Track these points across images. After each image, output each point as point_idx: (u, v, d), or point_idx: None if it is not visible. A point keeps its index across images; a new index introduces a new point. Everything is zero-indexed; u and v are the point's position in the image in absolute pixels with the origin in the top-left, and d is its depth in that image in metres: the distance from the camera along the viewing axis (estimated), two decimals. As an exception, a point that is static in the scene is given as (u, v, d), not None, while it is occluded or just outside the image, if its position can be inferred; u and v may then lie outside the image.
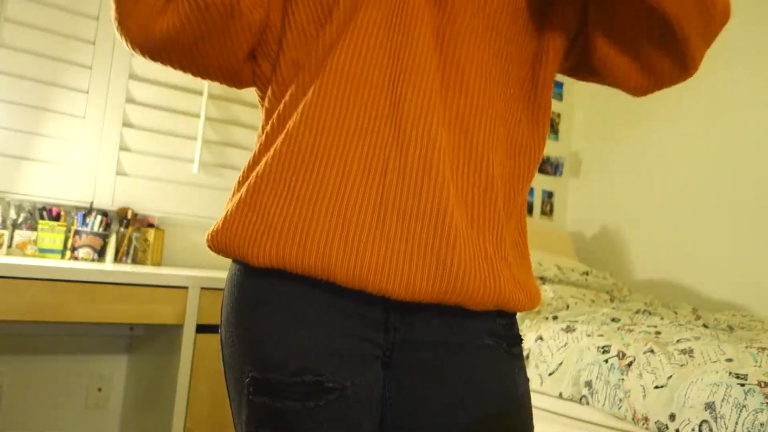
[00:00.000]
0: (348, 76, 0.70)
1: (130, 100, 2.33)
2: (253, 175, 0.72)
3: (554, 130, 3.57)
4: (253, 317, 0.72)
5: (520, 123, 0.78)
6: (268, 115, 0.78)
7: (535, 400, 1.93)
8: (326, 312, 0.70)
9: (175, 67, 0.83)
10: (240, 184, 0.75)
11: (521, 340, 0.80)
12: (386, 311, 0.72)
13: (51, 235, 2.12)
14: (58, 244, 2.13)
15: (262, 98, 0.82)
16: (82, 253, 2.13)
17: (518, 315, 2.17)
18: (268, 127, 0.75)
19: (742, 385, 1.44)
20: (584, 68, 0.82)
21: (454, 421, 0.73)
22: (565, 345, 1.90)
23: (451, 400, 0.73)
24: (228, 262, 2.55)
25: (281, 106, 0.75)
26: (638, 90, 0.79)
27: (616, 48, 0.76)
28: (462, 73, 0.72)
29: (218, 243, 0.72)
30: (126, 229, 2.25)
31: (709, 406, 1.46)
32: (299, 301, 0.70)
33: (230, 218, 0.71)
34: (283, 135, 0.71)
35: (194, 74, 0.84)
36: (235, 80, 0.85)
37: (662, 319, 2.11)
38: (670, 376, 1.58)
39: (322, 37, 0.73)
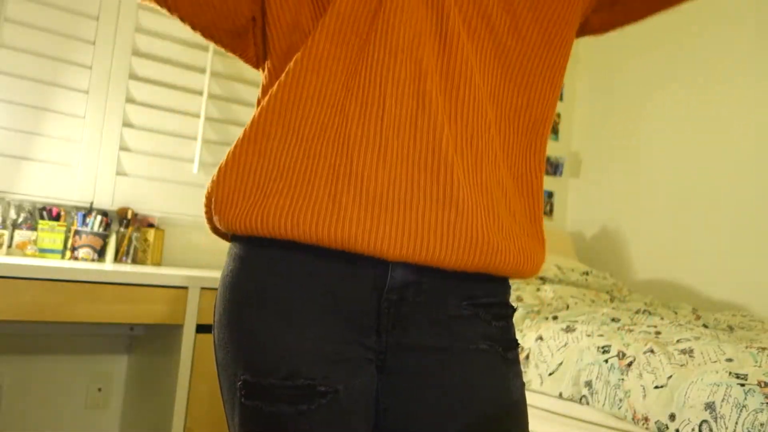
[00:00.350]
0: (342, 22, 0.72)
1: (130, 100, 2.33)
2: (255, 121, 0.74)
3: (554, 130, 3.56)
4: (245, 316, 0.71)
5: (524, 68, 0.77)
6: (273, 73, 0.79)
7: (535, 400, 1.93)
8: (321, 309, 0.70)
9: (169, 7, 0.79)
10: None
11: (517, 344, 0.79)
12: (381, 289, 0.71)
13: (51, 235, 2.12)
14: (58, 244, 2.13)
15: (264, 63, 0.82)
16: (82, 253, 2.13)
17: (518, 314, 2.17)
18: (285, 79, 0.75)
19: (742, 385, 1.44)
20: None
21: (452, 423, 0.72)
22: (565, 345, 1.90)
23: (450, 402, 0.72)
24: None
25: (288, 64, 0.76)
26: None
27: None
28: (448, 17, 0.72)
29: (220, 193, 0.75)
30: (126, 229, 2.25)
31: (709, 406, 1.46)
32: (298, 290, 0.70)
33: (232, 161, 0.76)
34: (280, 81, 0.74)
35: (187, 15, 0.80)
36: (228, 27, 0.81)
37: (662, 319, 2.11)
38: (670, 376, 1.58)
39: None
